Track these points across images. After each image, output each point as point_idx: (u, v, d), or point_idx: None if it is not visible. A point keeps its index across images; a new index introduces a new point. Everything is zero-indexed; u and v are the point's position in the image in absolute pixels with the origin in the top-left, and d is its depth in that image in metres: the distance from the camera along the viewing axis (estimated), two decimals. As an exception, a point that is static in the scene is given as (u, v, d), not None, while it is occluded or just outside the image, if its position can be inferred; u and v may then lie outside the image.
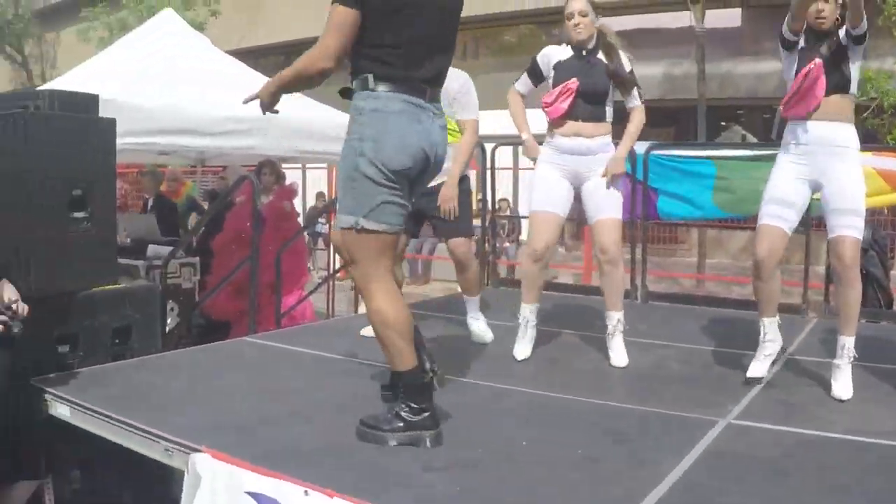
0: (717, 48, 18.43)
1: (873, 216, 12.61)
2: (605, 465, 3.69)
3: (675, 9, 19.30)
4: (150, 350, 5.68)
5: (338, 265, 11.57)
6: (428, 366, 3.90)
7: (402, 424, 3.87)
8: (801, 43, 4.81)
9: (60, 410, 4.55)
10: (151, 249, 8.94)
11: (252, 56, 24.23)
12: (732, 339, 5.92)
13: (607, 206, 5.51)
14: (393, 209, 3.81)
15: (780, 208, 4.81)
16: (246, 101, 4.12)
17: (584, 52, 5.48)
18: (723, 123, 14.03)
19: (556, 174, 5.53)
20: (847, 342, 4.77)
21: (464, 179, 6.03)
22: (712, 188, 8.99)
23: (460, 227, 6.04)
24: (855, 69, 4.72)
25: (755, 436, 4.15)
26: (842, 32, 4.71)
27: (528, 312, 5.68)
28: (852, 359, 4.78)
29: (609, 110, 5.53)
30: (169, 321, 7.94)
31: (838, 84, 4.68)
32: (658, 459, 3.74)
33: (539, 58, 5.63)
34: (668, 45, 21.03)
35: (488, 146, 9.05)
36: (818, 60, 4.64)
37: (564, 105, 5.37)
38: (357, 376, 5.08)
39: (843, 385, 4.74)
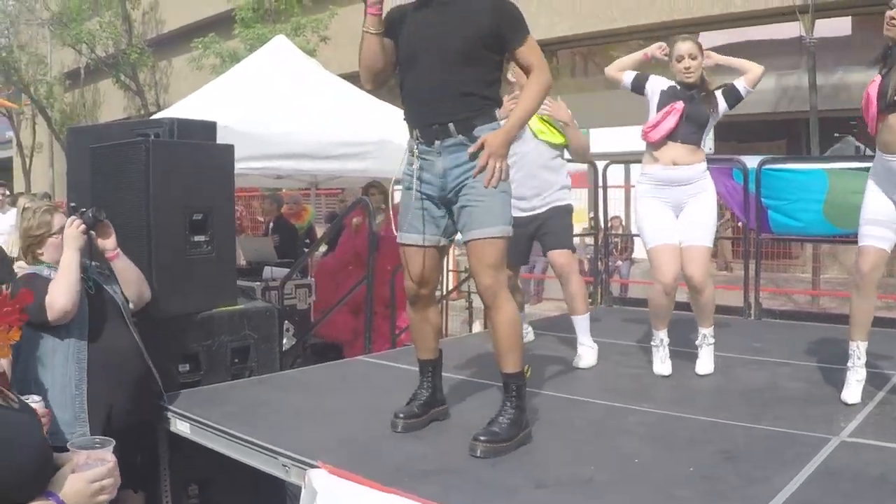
0: (828, 58, 18.12)
1: None
2: (717, 483, 3.67)
3: (784, 20, 19.03)
4: (268, 369, 5.82)
5: (451, 285, 11.68)
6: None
7: (526, 424, 4.14)
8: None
9: (181, 427, 4.72)
10: (267, 271, 9.12)
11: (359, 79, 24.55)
12: (847, 355, 5.85)
13: (697, 235, 5.59)
14: None
15: (877, 228, 4.75)
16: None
17: (689, 90, 5.63)
18: (836, 135, 13.78)
19: (658, 205, 5.65)
20: None
21: (568, 205, 6.35)
22: (823, 202, 8.84)
23: (561, 240, 6.21)
24: None
25: (869, 453, 4.07)
26: None
27: (663, 335, 5.77)
28: None
29: (707, 139, 5.70)
30: (285, 341, 8.08)
31: None
32: (770, 477, 3.71)
33: (652, 77, 5.78)
34: (777, 56, 20.71)
35: (600, 164, 9.06)
36: None
37: (671, 123, 5.49)
38: (470, 394, 5.13)
39: None
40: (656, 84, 5.72)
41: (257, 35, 21.48)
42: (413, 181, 4.20)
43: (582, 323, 6.17)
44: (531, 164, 6.20)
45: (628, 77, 5.83)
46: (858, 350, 4.91)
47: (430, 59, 4.06)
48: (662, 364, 5.72)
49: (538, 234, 6.30)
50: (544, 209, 6.24)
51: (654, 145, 5.61)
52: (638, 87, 5.80)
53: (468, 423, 4.34)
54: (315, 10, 24.49)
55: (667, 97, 5.60)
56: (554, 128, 6.13)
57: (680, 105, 5.51)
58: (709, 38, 20.44)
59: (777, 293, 14.63)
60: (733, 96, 5.71)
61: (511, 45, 4.09)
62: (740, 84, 5.72)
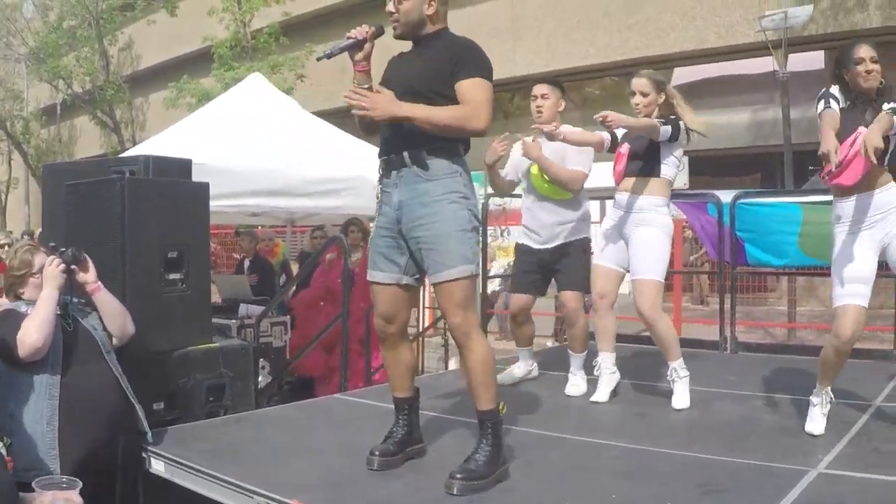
0: (802, 92, 18.26)
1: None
2: (695, 517, 3.68)
3: (758, 54, 19.20)
4: (243, 407, 5.80)
5: (427, 322, 11.65)
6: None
7: (503, 461, 4.13)
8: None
9: (156, 466, 4.68)
10: (243, 308, 9.10)
11: (339, 116, 24.58)
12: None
13: (640, 267, 5.66)
14: None
15: (858, 286, 4.73)
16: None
17: None
18: (810, 168, 13.88)
19: (610, 227, 5.85)
20: None
21: (583, 239, 6.37)
22: (798, 234, 8.90)
23: (574, 280, 6.28)
24: None
25: (846, 485, 4.09)
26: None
27: (599, 358, 5.92)
28: None
29: (666, 169, 5.72)
30: (260, 379, 8.05)
31: None
32: (749, 510, 3.74)
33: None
34: (751, 91, 20.89)
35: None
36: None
37: (620, 167, 5.71)
38: (446, 432, 5.12)
39: None
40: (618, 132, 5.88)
41: (233, 77, 21.47)
42: (377, 217, 4.30)
43: (578, 360, 6.31)
44: (535, 201, 6.32)
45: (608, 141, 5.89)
46: (828, 394, 4.98)
47: (398, 96, 4.09)
48: (602, 390, 5.82)
49: (553, 270, 6.39)
50: (552, 245, 6.30)
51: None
52: (611, 149, 5.91)
53: (444, 460, 4.32)
54: (292, 48, 24.55)
55: (622, 137, 5.82)
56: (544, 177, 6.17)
57: (625, 149, 5.71)
58: (683, 74, 20.63)
59: (753, 326, 14.67)
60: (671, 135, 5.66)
61: (456, 77, 4.11)
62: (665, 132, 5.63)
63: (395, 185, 4.18)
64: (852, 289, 4.73)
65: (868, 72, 4.74)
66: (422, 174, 4.12)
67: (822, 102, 4.86)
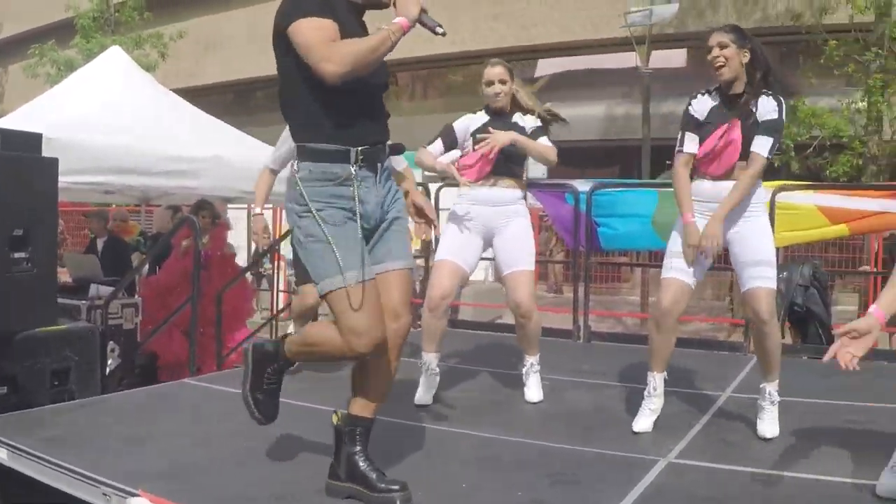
0: (662, 88, 18.65)
1: (812, 253, 12.83)
2: (545, 507, 3.69)
3: (621, 49, 19.51)
4: (88, 392, 5.65)
5: (281, 305, 11.55)
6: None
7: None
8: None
9: (-1, 454, 4.52)
10: (93, 289, 8.87)
11: (200, 94, 24.22)
12: (675, 377, 5.99)
13: (517, 260, 5.53)
14: None
15: (681, 262, 4.79)
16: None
17: (499, 115, 5.57)
18: (668, 162, 14.27)
19: (461, 225, 5.58)
20: (769, 387, 4.84)
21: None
22: (652, 217, 9.06)
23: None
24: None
25: (694, 474, 4.19)
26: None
27: (429, 358, 5.59)
28: (776, 402, 4.84)
29: (524, 169, 5.66)
30: (110, 362, 7.87)
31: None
32: (598, 500, 3.78)
33: (456, 125, 5.65)
34: (613, 84, 21.26)
35: (433, 186, 9.07)
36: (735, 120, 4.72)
37: (487, 167, 5.45)
38: (297, 419, 5.06)
39: (768, 425, 4.80)
40: (463, 126, 5.62)
41: (97, 45, 20.91)
42: (354, 214, 3.66)
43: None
44: None
45: (437, 150, 5.61)
46: (655, 381, 4.95)
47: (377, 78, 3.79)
48: (425, 393, 5.57)
49: None
50: None
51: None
52: (451, 143, 5.64)
53: (298, 451, 4.33)
54: (157, 23, 24.03)
55: (481, 133, 5.48)
56: None
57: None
58: (548, 65, 20.86)
59: (607, 315, 14.94)
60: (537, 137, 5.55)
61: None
62: (542, 146, 5.52)
63: (379, 180, 3.76)
64: (678, 263, 4.80)
65: (714, 59, 4.73)
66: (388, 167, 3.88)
67: (679, 137, 4.92)
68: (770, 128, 4.68)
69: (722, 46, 4.70)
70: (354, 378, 3.80)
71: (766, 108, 4.69)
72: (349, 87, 3.53)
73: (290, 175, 3.71)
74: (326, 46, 3.46)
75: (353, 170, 3.62)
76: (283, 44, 3.57)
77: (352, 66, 3.46)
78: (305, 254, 3.65)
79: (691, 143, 4.83)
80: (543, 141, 5.53)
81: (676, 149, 4.90)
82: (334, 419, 3.83)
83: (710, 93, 4.89)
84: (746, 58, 4.72)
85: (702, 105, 4.86)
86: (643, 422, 4.89)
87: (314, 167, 3.61)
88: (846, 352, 3.48)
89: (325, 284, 3.56)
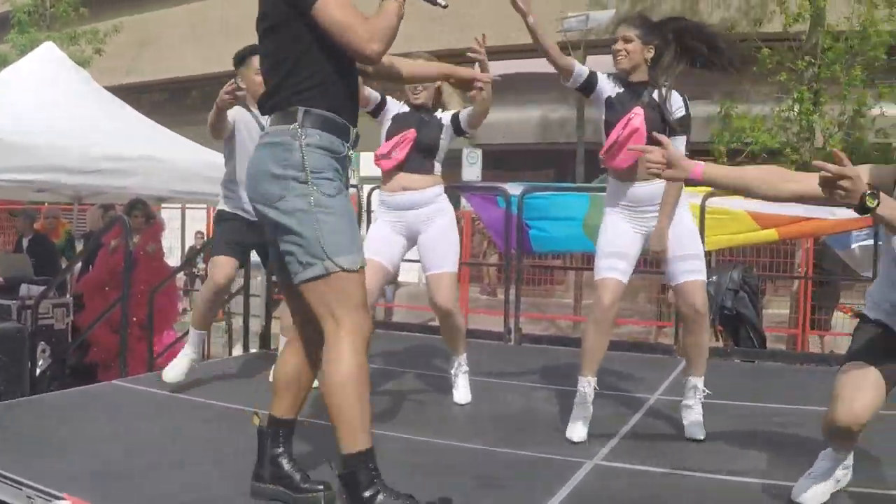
0: (598, 92, 18.81)
1: (742, 257, 13.02)
2: (472, 510, 3.72)
3: (558, 54, 19.59)
4: (16, 393, 5.58)
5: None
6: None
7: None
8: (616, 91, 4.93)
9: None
10: (24, 289, 8.78)
11: (135, 92, 23.99)
12: (604, 379, 6.05)
13: (439, 261, 5.50)
14: None
15: (617, 261, 4.83)
16: None
17: (419, 111, 5.54)
18: (603, 166, 14.42)
19: (383, 227, 5.53)
20: (698, 382, 4.89)
21: None
22: (583, 220, 9.14)
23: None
24: None
25: (621, 477, 4.24)
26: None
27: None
28: (702, 399, 4.91)
29: (438, 165, 5.56)
30: (41, 363, 7.78)
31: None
32: (525, 502, 3.82)
33: (388, 99, 5.62)
34: (549, 89, 21.32)
35: (366, 188, 9.07)
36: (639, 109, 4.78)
37: (401, 155, 5.37)
38: (226, 421, 5.05)
39: (695, 425, 4.87)
40: (390, 108, 5.58)
41: (31, 40, 20.62)
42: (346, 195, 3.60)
43: None
44: None
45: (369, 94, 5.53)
46: (589, 386, 4.90)
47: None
48: None
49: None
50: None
51: (386, 174, 5.50)
52: (376, 107, 5.59)
53: (227, 455, 4.30)
54: (93, 19, 23.73)
55: (397, 123, 5.48)
56: None
57: (412, 134, 5.38)
58: (484, 68, 20.86)
59: (539, 318, 15.01)
60: (455, 127, 5.55)
61: None
62: (464, 119, 5.53)
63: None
64: (612, 263, 4.82)
65: (616, 51, 4.85)
66: None
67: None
68: (683, 125, 4.81)
69: (626, 40, 4.81)
70: (279, 380, 3.76)
71: (676, 102, 4.81)
72: (352, 68, 3.59)
73: (282, 139, 3.45)
74: (366, 26, 3.40)
75: (348, 149, 3.59)
76: (283, 9, 3.42)
77: (389, 44, 3.48)
78: (312, 224, 3.38)
79: (583, 73, 4.97)
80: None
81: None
82: (255, 421, 3.76)
83: (612, 77, 4.97)
84: (651, 53, 4.83)
85: (610, 87, 4.93)
86: (579, 430, 4.85)
87: (322, 136, 3.45)
88: (655, 161, 3.58)
89: (344, 261, 3.37)
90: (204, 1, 26.05)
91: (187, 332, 6.08)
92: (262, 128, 5.18)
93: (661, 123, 4.73)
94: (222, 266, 5.79)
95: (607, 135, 4.84)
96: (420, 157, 5.43)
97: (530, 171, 19.82)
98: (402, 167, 5.41)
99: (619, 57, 4.85)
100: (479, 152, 8.70)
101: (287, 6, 3.40)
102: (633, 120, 4.71)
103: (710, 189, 8.08)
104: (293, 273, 3.42)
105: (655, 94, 4.81)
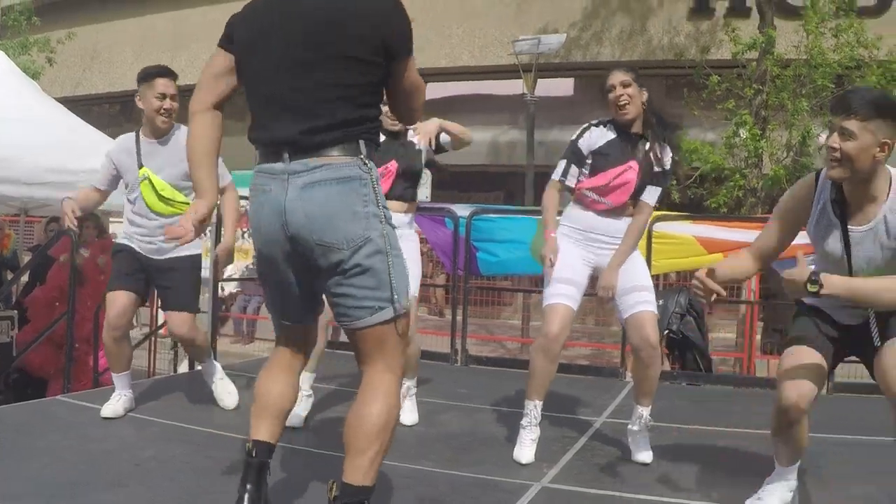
0: (549, 116, 18.90)
1: (688, 282, 13.11)
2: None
3: (508, 76, 19.71)
4: (-44, 407, 5.49)
5: (160, 321, 11.37)
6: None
7: None
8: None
9: None
10: (-32, 301, 8.66)
11: (85, 104, 23.79)
12: (552, 401, 6.07)
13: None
14: (270, 305, 3.62)
15: (567, 287, 4.85)
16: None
17: (396, 138, 5.48)
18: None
19: None
20: (645, 412, 4.93)
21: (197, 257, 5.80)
22: (531, 242, 9.17)
23: (182, 302, 5.75)
24: None
25: (567, 499, 4.28)
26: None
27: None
28: (649, 426, 4.94)
29: (415, 191, 5.56)
30: (-18, 376, 7.69)
31: None
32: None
33: None
34: (500, 111, 21.44)
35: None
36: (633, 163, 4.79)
37: (385, 187, 5.27)
38: (172, 438, 5.01)
39: (643, 451, 4.91)
40: None
41: (-17, 49, 20.39)
42: None
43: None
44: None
45: None
46: (536, 410, 4.94)
47: None
48: (296, 414, 5.35)
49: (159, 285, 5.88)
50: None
51: None
52: None
53: (175, 473, 4.28)
54: (45, 29, 23.50)
55: (378, 155, 5.34)
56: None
57: (393, 166, 5.33)
58: (437, 89, 20.95)
59: (487, 340, 15.04)
60: (436, 146, 5.48)
61: None
62: (445, 142, 5.51)
63: None
64: (561, 289, 4.83)
65: (618, 97, 4.76)
66: None
67: (562, 165, 4.96)
68: (663, 179, 4.85)
69: (625, 85, 4.76)
70: (272, 405, 3.62)
71: (666, 156, 4.83)
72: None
73: (353, 172, 3.26)
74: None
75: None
76: (380, 50, 3.29)
77: None
78: (387, 265, 3.28)
79: (572, 178, 4.91)
80: (454, 128, 5.50)
81: (555, 175, 4.95)
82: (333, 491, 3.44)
83: (604, 125, 4.94)
84: (645, 97, 4.82)
85: (598, 137, 4.89)
86: (526, 452, 4.88)
87: (375, 171, 3.38)
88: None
89: (406, 304, 3.34)
90: (155, 14, 25.87)
91: (133, 348, 6.03)
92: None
93: (651, 172, 4.80)
94: (113, 301, 5.59)
95: (593, 174, 4.84)
96: (402, 185, 5.41)
97: (480, 193, 19.90)
98: (387, 196, 5.33)
99: (623, 103, 4.77)
100: (428, 173, 8.68)
101: (382, 46, 3.29)
102: (627, 174, 4.75)
103: (658, 213, 8.18)
104: (353, 317, 3.29)
105: (651, 146, 4.83)
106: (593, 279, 5.02)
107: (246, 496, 3.41)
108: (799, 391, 3.61)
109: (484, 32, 21.43)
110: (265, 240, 3.35)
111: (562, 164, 4.95)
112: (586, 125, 4.98)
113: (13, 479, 4.16)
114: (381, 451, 3.33)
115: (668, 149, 4.84)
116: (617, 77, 4.80)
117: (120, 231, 6.12)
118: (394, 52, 3.32)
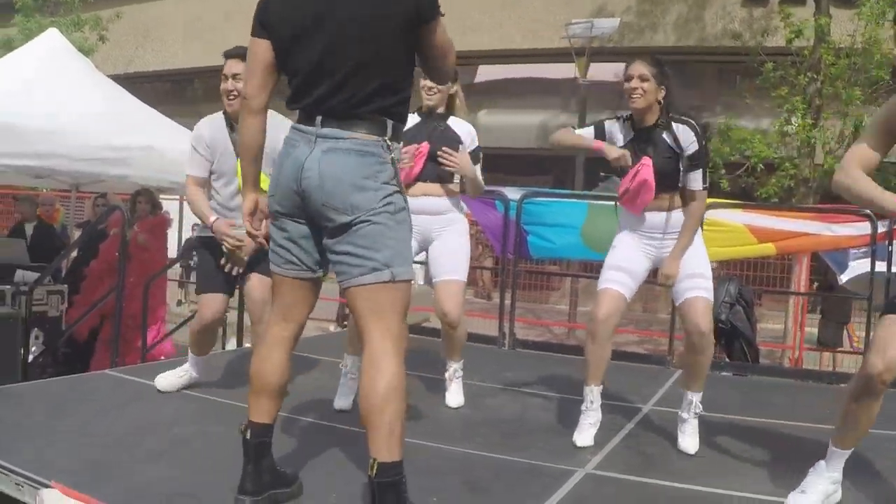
0: (601, 100, 18.80)
1: (739, 271, 12.99)
2: (459, 515, 3.71)
3: (560, 60, 19.61)
4: (8, 379, 5.56)
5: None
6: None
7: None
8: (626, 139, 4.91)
9: None
10: (19, 274, 8.75)
11: (137, 81, 23.94)
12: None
13: (449, 269, 5.47)
14: (275, 250, 3.66)
15: (621, 274, 4.84)
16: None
17: (431, 117, 5.46)
18: (602, 174, 14.38)
19: None
20: (695, 398, 4.89)
21: None
22: (581, 226, 9.13)
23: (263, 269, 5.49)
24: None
25: (612, 486, 4.22)
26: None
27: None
28: (698, 414, 4.90)
29: (452, 174, 5.48)
30: (34, 349, 7.76)
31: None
32: (514, 509, 3.79)
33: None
34: (551, 94, 21.35)
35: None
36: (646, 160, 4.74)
37: (417, 168, 5.32)
38: (214, 414, 5.03)
39: (689, 438, 4.86)
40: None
41: (37, 25, 20.56)
42: None
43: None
44: None
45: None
46: (592, 394, 4.95)
47: None
48: (344, 396, 5.42)
49: None
50: None
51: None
52: None
53: (214, 449, 4.30)
54: (97, 6, 23.68)
55: (412, 134, 5.23)
56: None
57: (425, 147, 5.31)
58: (488, 72, 20.91)
59: (534, 324, 14.99)
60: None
61: None
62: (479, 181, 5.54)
63: None
64: (614, 275, 4.84)
65: (632, 89, 4.73)
66: None
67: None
68: (697, 159, 4.75)
69: (643, 79, 4.72)
70: (269, 383, 3.65)
71: (687, 139, 4.73)
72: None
73: (374, 150, 3.40)
74: None
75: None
76: (410, 23, 3.41)
77: None
78: (394, 233, 3.42)
79: (589, 134, 4.94)
80: (478, 172, 5.51)
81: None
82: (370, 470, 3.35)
83: (621, 120, 4.94)
84: (662, 94, 4.76)
85: (616, 131, 4.92)
86: (584, 436, 4.87)
87: (398, 149, 3.57)
88: None
89: (406, 272, 3.45)
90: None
91: (180, 325, 6.06)
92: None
93: (675, 165, 4.76)
94: (208, 304, 5.53)
95: (619, 178, 4.84)
96: (432, 168, 5.36)
97: (529, 177, 19.84)
98: (421, 178, 5.37)
99: (635, 96, 4.74)
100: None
101: (416, 12, 3.40)
102: (641, 172, 4.69)
103: (709, 201, 8.10)
104: (350, 275, 3.41)
105: (667, 136, 4.77)
106: (654, 272, 5.02)
107: (244, 475, 3.56)
108: (885, 360, 3.55)
109: (536, 15, 21.35)
110: (282, 190, 3.50)
111: (589, 129, 4.98)
112: (612, 116, 5.01)
113: (62, 452, 4.20)
114: (394, 421, 3.29)
115: (686, 128, 4.76)
116: (637, 69, 4.76)
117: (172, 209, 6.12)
118: (426, 16, 3.42)
